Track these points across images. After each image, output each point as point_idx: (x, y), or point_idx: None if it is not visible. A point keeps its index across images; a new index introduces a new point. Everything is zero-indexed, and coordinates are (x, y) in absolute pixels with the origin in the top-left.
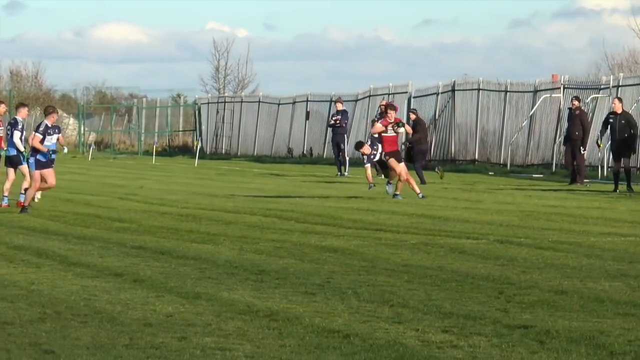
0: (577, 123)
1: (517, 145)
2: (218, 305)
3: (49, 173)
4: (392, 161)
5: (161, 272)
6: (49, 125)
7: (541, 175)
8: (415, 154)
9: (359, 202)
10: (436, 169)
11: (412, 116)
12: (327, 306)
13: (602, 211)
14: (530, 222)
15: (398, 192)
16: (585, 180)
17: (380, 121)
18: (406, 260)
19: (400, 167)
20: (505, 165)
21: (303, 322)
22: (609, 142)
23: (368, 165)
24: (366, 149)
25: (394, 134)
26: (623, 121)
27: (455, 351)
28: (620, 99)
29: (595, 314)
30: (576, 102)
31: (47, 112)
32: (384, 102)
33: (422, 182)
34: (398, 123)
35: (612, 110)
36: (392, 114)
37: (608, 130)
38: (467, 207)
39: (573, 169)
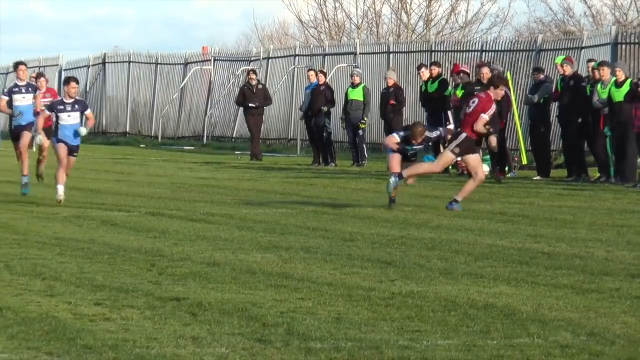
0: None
1: (168, 118)
2: None
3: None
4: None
5: None
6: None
7: (192, 148)
8: None
9: (9, 174)
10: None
11: None
12: None
13: (254, 183)
14: (181, 194)
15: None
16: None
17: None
18: (58, 233)
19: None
20: (156, 137)
21: None
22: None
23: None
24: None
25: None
26: None
27: (107, 324)
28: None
29: (247, 285)
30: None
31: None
32: (34, 75)
33: None
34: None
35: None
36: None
37: None
38: (119, 180)
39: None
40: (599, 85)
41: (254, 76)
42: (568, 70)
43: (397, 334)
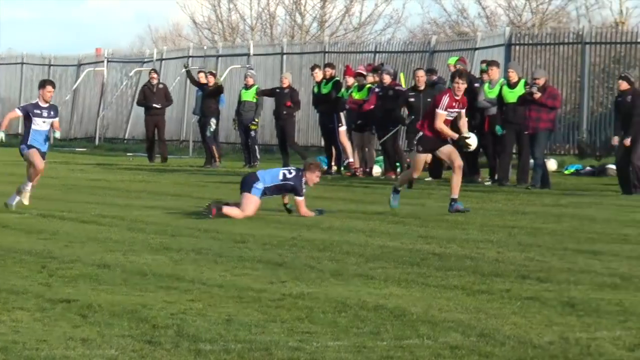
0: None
1: (61, 119)
2: None
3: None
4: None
5: None
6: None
7: (84, 149)
8: None
9: None
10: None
11: None
12: None
13: (146, 184)
14: (73, 195)
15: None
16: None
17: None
18: None
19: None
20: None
21: None
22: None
23: None
24: None
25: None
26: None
27: None
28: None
29: (138, 287)
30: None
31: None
32: None
33: None
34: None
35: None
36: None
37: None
38: (10, 182)
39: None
40: (486, 85)
41: (155, 75)
42: None
43: (287, 336)
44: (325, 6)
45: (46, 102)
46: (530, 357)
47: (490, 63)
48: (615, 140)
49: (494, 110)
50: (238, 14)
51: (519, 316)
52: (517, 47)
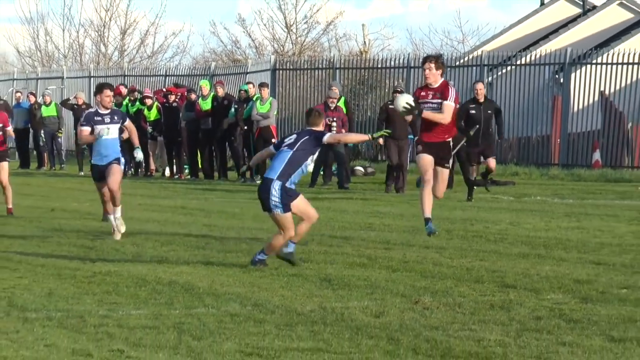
0: None
1: None
2: None
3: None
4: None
5: None
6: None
7: None
8: None
9: None
10: None
11: None
12: None
13: None
14: None
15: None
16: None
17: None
18: None
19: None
20: None
21: None
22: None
23: None
24: None
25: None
26: (490, 111)
27: None
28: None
29: None
30: None
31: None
32: None
33: None
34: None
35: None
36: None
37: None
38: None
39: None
40: (258, 102)
41: None
42: (220, 92)
43: (98, 306)
44: (124, 38)
45: (106, 108)
46: (295, 323)
47: (261, 84)
48: None
49: (265, 122)
50: (53, 44)
51: (286, 289)
52: (281, 72)
